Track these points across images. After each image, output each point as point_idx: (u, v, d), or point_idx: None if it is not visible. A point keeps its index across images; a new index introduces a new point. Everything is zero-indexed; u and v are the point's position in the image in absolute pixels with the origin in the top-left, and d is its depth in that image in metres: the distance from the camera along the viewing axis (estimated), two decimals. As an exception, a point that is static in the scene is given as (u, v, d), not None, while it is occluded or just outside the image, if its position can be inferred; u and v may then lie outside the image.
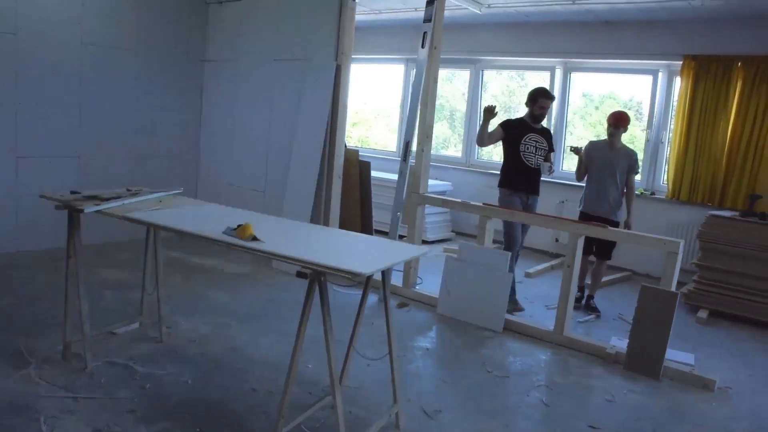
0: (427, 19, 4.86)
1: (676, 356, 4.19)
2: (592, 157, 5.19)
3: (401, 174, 5.02)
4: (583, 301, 5.32)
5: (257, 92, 6.12)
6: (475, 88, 8.10)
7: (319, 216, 5.44)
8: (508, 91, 8.41)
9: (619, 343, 4.31)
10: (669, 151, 6.53)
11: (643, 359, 4.00)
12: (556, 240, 7.21)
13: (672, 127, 6.52)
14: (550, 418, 3.24)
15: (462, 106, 8.46)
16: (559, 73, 7.35)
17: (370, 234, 5.95)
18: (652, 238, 4.11)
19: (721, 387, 3.84)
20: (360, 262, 2.47)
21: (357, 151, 5.89)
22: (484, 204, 4.85)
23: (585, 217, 5.12)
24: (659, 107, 6.69)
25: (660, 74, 6.65)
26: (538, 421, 3.20)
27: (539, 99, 4.97)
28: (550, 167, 5.02)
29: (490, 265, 4.64)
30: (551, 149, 5.10)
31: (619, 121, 5.07)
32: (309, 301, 2.49)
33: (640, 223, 5.58)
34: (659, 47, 6.40)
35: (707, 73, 6.10)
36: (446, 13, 7.17)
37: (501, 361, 4.00)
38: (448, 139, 8.91)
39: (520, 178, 4.98)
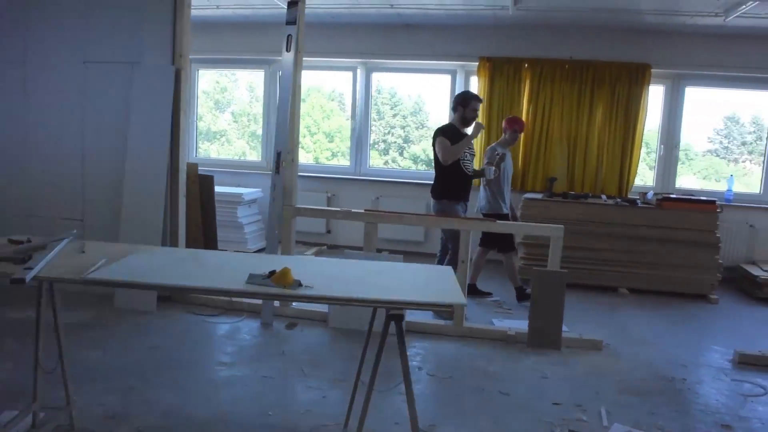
0: (291, 22, 4.61)
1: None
2: (503, 158, 5.51)
3: (274, 187, 4.69)
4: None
5: (60, 101, 5.06)
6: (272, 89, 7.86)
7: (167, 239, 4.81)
8: (219, 87, 8.50)
9: (502, 324, 4.80)
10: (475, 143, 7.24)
11: (543, 334, 4.48)
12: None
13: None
14: (524, 407, 3.45)
15: (256, 109, 8.15)
16: (360, 72, 7.56)
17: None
18: (539, 226, 4.60)
19: (606, 345, 4.53)
20: (437, 292, 2.34)
21: (196, 164, 5.29)
22: (366, 210, 4.83)
23: (493, 217, 5.28)
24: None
25: (458, 73, 7.32)
26: (518, 412, 3.38)
27: (471, 102, 4.99)
28: (495, 170, 5.22)
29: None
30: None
31: (524, 126, 5.78)
32: (382, 344, 2.28)
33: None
34: (457, 49, 7.03)
35: (501, 73, 6.93)
36: (249, 11, 6.89)
37: (431, 363, 4.07)
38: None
39: (461, 187, 5.03)
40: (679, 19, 5.93)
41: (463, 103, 5.01)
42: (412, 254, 6.96)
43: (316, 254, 6.99)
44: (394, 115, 8.08)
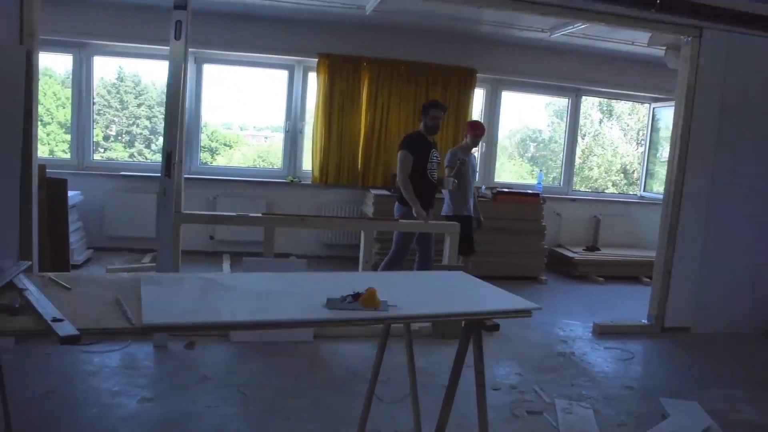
0: (180, 5, 4.04)
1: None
2: (464, 163, 5.51)
3: (165, 192, 4.08)
4: None
5: None
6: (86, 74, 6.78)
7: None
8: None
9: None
10: (313, 140, 7.11)
11: (448, 324, 4.65)
12: (211, 238, 6.94)
13: (314, 117, 7.11)
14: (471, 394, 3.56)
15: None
16: (191, 65, 6.92)
17: (67, 270, 4.60)
18: (438, 224, 4.76)
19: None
20: (502, 299, 2.34)
21: (44, 166, 4.33)
22: (264, 214, 4.49)
23: (466, 219, 5.41)
24: (296, 99, 7.18)
25: (296, 69, 7.12)
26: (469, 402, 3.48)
27: (431, 110, 5.02)
28: (454, 181, 5.16)
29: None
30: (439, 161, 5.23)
31: (484, 130, 5.85)
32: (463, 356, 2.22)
33: (290, 209, 6.38)
34: (296, 44, 6.84)
35: (341, 71, 6.93)
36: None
37: (362, 368, 3.97)
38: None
39: (426, 195, 4.99)
40: (510, 31, 6.56)
41: (425, 111, 5.09)
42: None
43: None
44: (139, 105, 7.51)
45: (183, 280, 2.26)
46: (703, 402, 3.65)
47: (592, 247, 7.54)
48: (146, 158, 7.44)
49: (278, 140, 7.51)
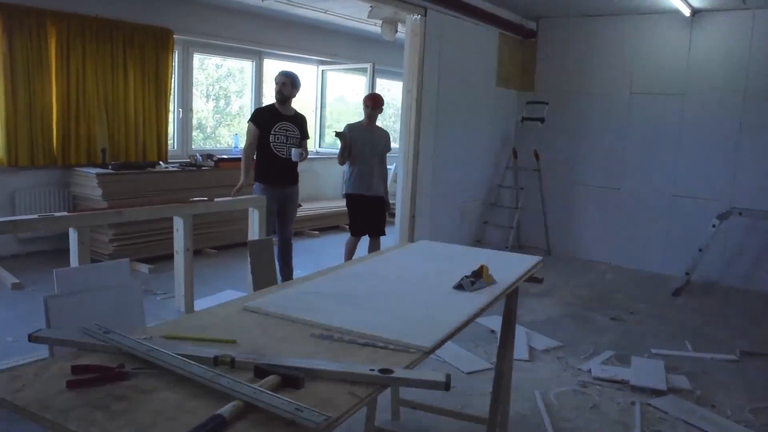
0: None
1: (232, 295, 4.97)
2: (356, 139, 5.25)
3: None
4: None
5: None
6: None
7: None
8: None
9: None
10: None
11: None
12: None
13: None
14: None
15: None
16: None
17: None
18: (240, 200, 4.65)
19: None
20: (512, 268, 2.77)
21: None
22: (71, 212, 3.66)
23: (357, 198, 5.21)
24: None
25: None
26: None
27: (275, 80, 4.95)
28: (301, 153, 4.76)
29: (112, 282, 3.74)
30: (305, 136, 4.90)
31: (377, 102, 5.36)
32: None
33: None
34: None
35: (22, 27, 5.64)
36: None
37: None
38: None
39: (273, 171, 4.77)
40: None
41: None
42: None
43: None
44: None
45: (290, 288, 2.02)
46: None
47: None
48: None
49: None
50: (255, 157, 4.99)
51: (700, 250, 5.85)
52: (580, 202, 7.19)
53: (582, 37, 6.98)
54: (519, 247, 7.34)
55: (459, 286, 2.25)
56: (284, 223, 5.15)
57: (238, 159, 6.70)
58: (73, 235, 3.68)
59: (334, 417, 1.23)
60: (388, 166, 5.67)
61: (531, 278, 2.70)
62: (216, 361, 1.48)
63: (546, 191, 7.23)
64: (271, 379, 1.38)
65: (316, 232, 7.72)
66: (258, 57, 8.07)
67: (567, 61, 7.12)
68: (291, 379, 1.39)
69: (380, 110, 5.39)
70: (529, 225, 7.47)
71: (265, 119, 4.93)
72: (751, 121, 6.04)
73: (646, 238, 6.72)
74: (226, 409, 1.22)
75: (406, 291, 2.23)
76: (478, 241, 7.06)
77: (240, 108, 8.55)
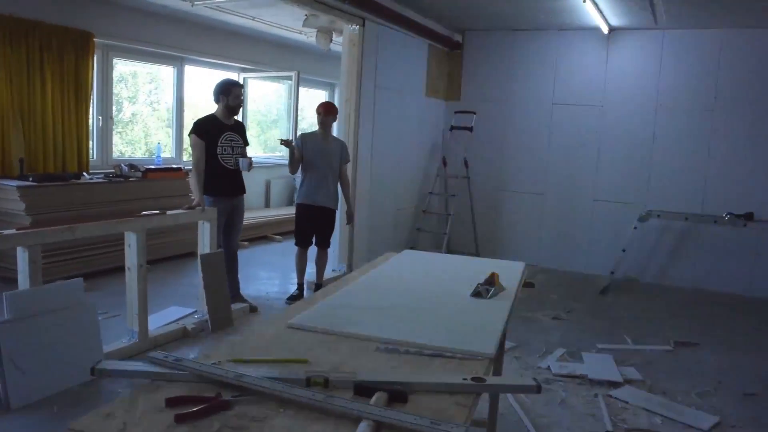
0: None
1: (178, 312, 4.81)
2: (307, 149, 5.19)
3: None
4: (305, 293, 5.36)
5: None
6: None
7: None
8: None
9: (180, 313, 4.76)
10: None
11: (221, 316, 4.52)
12: None
13: None
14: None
15: None
16: None
17: None
18: (184, 213, 4.45)
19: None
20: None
21: None
22: (19, 230, 3.37)
23: (305, 208, 5.12)
24: None
25: None
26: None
27: (233, 89, 4.75)
28: (250, 163, 4.65)
29: (66, 303, 3.50)
30: (246, 143, 4.78)
31: (329, 110, 5.24)
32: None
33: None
34: None
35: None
36: None
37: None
38: None
39: (222, 182, 4.62)
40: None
41: (225, 91, 4.70)
42: None
43: None
44: None
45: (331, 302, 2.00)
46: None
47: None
48: None
49: None
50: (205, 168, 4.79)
51: (624, 251, 6.30)
52: (508, 207, 7.53)
53: (506, 50, 7.33)
54: (449, 252, 7.54)
55: (477, 294, 2.33)
56: (231, 234, 5.01)
57: (167, 169, 6.48)
58: (22, 255, 3.41)
59: (468, 424, 1.26)
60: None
61: (525, 283, 2.82)
62: (309, 382, 1.46)
63: (475, 197, 7.50)
64: (381, 395, 1.38)
65: (246, 243, 7.56)
66: (180, 63, 7.77)
67: (492, 72, 7.44)
68: (397, 394, 1.40)
69: (333, 118, 5.32)
70: (458, 230, 7.70)
71: (210, 131, 4.75)
72: (662, 131, 6.60)
73: (571, 240, 7.14)
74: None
75: (429, 301, 2.26)
76: (412, 248, 7.18)
77: (132, 115, 8.13)
